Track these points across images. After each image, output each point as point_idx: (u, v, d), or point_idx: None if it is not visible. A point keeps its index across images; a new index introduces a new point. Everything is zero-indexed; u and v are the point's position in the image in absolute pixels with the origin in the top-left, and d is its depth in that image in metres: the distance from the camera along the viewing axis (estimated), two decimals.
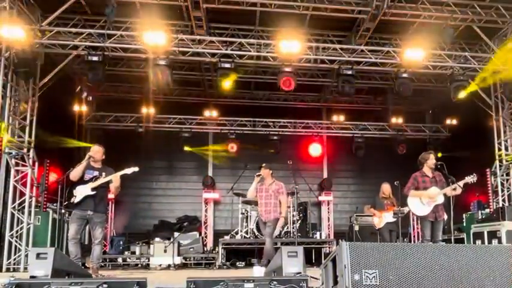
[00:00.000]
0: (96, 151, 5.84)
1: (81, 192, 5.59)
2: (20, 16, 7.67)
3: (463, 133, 11.71)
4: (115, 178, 5.61)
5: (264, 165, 6.66)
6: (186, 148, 11.91)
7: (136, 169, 5.75)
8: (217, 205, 12.65)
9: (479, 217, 9.23)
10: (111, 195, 7.71)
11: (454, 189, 5.69)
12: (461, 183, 5.70)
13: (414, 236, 11.15)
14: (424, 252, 3.22)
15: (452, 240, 6.51)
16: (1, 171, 7.70)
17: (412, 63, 8.82)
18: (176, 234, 9.63)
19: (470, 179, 5.73)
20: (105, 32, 8.09)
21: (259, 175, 6.58)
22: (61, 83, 9.03)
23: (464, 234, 9.30)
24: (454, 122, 12.55)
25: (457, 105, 10.10)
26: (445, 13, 8.30)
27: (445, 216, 6.07)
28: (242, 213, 9.72)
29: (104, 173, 5.67)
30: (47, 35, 8.00)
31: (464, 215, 9.78)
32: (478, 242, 8.24)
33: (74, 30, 8.27)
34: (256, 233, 9.17)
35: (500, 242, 7.65)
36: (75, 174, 5.62)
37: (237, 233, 9.67)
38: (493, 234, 7.98)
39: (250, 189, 6.72)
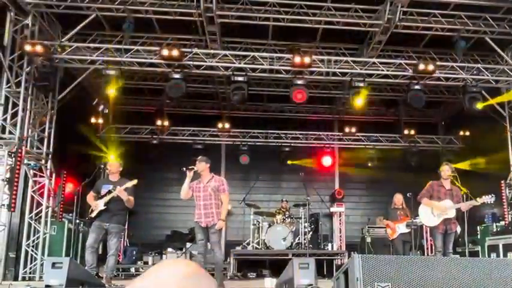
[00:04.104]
0: (111, 164, 5.99)
1: (97, 207, 5.73)
2: (42, 32, 7.97)
3: (477, 145, 11.58)
4: (119, 193, 5.66)
5: (199, 158, 5.59)
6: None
7: (135, 182, 5.74)
8: (229, 216, 12.61)
9: (494, 229, 9.08)
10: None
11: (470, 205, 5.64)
12: (479, 202, 5.63)
13: (427, 248, 11.01)
14: (438, 266, 3.21)
15: (467, 253, 6.39)
16: (20, 182, 7.90)
17: (424, 75, 8.83)
18: (188, 244, 9.69)
19: (488, 199, 5.63)
20: (122, 47, 8.32)
21: (191, 169, 5.39)
22: (78, 96, 9.28)
23: (479, 247, 9.16)
24: (468, 133, 12.42)
25: (471, 117, 10.02)
26: (457, 25, 8.33)
27: (458, 229, 6.01)
28: (254, 224, 9.73)
29: (118, 186, 5.74)
30: (66, 50, 8.27)
31: (478, 227, 9.63)
32: (493, 255, 8.11)
33: (92, 45, 8.54)
34: (268, 244, 9.18)
35: None
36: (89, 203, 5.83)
37: (248, 243, 9.68)
38: (508, 247, 7.85)
39: (182, 188, 5.52)
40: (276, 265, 8.70)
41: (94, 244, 5.66)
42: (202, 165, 5.50)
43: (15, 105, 7.70)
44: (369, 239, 10.21)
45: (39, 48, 7.57)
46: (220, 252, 5.56)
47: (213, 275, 5.36)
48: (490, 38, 8.65)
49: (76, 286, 4.38)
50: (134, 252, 10.22)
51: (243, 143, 12.26)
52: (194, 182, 5.59)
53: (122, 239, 10.28)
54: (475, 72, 9.05)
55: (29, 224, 7.86)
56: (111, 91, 8.47)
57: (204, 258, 5.50)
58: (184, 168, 5.45)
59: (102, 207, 5.68)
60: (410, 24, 8.26)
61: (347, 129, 12.52)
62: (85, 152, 10.31)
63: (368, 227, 10.47)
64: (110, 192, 5.72)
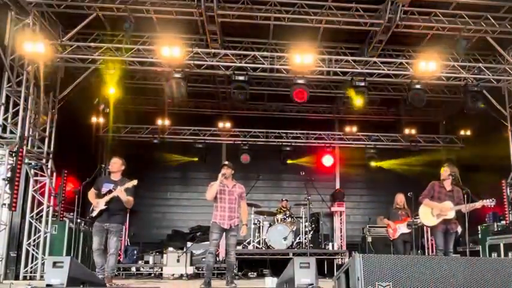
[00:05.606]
0: (113, 163, 5.98)
1: (98, 206, 5.71)
2: (42, 32, 7.96)
3: (478, 144, 11.58)
4: (119, 193, 5.63)
5: (226, 163, 6.01)
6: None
7: (135, 182, 5.73)
8: None
9: (495, 229, 9.06)
10: None
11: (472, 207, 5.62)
12: (479, 205, 5.62)
13: (428, 248, 11.01)
14: (439, 265, 3.21)
15: (468, 253, 6.38)
16: (21, 182, 7.90)
17: (425, 75, 8.81)
18: (189, 244, 9.69)
19: (489, 203, 5.61)
20: (123, 46, 8.32)
21: (223, 174, 5.85)
22: (79, 96, 9.28)
23: (480, 246, 9.15)
24: (468, 132, 12.42)
25: (471, 116, 10.03)
26: (458, 24, 8.31)
27: (459, 229, 6.00)
28: (254, 224, 9.72)
29: (119, 186, 5.70)
30: (67, 50, 8.27)
31: (479, 226, 9.62)
32: (494, 254, 8.11)
33: (93, 44, 8.53)
34: (269, 244, 9.18)
35: None
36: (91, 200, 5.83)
37: (249, 243, 9.68)
38: (509, 247, 7.85)
39: (212, 190, 5.84)
40: (276, 264, 8.71)
41: (99, 246, 5.69)
42: (229, 171, 5.94)
43: (16, 104, 7.70)
44: (369, 239, 10.20)
45: (40, 48, 7.56)
46: (234, 254, 5.98)
47: (222, 274, 5.43)
48: (491, 37, 8.63)
49: (77, 285, 4.38)
50: (135, 252, 10.23)
51: (243, 142, 12.27)
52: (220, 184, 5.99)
53: (122, 238, 10.30)
54: (476, 71, 9.04)
55: (30, 224, 7.87)
56: (112, 90, 8.47)
57: (213, 258, 5.88)
58: (221, 174, 5.86)
59: (103, 207, 5.68)
60: (412, 23, 8.25)
61: (348, 129, 12.52)
62: (86, 151, 10.32)
63: (369, 227, 10.47)
64: (110, 191, 5.71)
